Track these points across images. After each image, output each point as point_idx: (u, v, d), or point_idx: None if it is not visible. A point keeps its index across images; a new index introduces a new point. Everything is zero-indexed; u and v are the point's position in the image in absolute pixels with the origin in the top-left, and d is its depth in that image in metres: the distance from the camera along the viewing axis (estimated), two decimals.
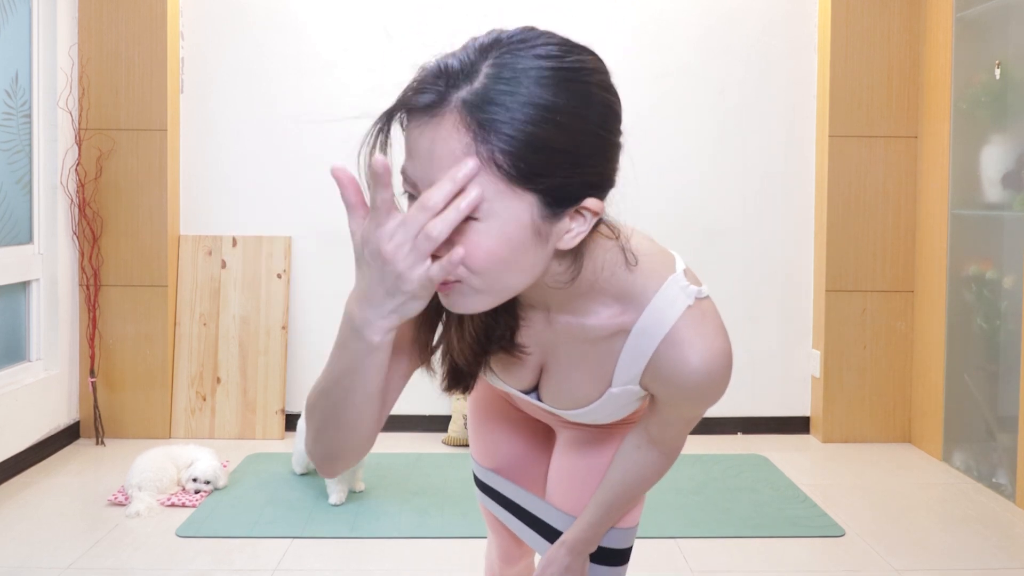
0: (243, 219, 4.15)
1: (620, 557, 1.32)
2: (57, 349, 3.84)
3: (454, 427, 3.99)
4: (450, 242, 0.88)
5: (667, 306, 1.03)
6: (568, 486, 1.34)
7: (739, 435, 4.19)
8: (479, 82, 0.87)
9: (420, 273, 0.86)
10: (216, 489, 3.33)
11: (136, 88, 3.95)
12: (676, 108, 4.15)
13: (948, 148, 3.75)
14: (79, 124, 3.89)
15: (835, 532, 3.00)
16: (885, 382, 4.07)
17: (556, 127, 0.87)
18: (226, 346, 4.07)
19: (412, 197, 0.93)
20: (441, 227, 0.85)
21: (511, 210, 0.88)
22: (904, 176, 4.03)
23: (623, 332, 1.06)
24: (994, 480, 3.44)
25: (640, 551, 2.83)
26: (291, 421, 4.10)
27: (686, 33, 4.14)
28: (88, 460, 3.71)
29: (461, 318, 1.06)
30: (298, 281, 4.16)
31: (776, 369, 4.22)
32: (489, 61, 0.89)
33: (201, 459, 3.34)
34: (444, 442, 4.01)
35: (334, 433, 1.03)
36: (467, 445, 3.93)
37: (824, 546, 2.90)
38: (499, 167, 0.87)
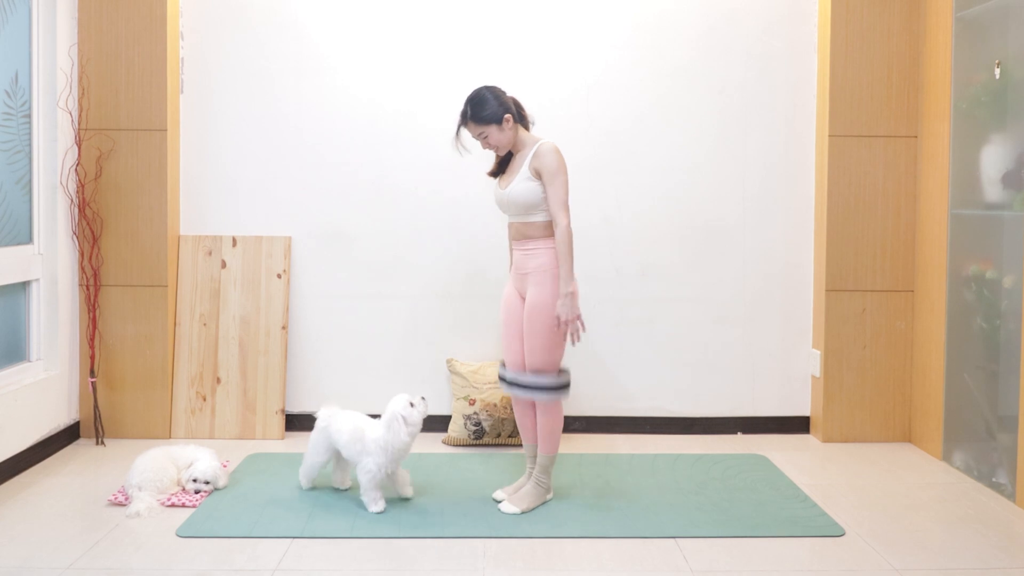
0: (243, 219, 4.15)
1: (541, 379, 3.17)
2: (57, 349, 3.84)
3: (454, 427, 3.99)
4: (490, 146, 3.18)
5: (540, 142, 3.13)
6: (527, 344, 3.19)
7: (739, 435, 4.19)
8: (471, 111, 3.15)
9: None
10: (216, 489, 3.33)
11: (136, 88, 3.95)
12: (676, 108, 4.15)
13: (948, 148, 3.76)
14: (79, 124, 3.89)
15: (835, 532, 3.00)
16: (885, 382, 4.07)
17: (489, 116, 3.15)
18: (226, 346, 4.07)
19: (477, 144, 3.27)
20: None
21: (493, 127, 3.13)
22: (904, 176, 4.03)
23: (529, 151, 3.14)
24: (994, 480, 3.44)
25: (640, 551, 2.84)
26: (291, 421, 4.11)
27: (686, 33, 4.14)
28: (88, 460, 3.71)
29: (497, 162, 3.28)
30: (298, 281, 4.16)
31: (776, 369, 4.23)
32: (469, 105, 3.16)
33: (201, 459, 3.34)
34: (444, 442, 4.01)
35: None
36: (466, 445, 3.94)
37: (824, 546, 2.90)
38: (488, 123, 3.13)
